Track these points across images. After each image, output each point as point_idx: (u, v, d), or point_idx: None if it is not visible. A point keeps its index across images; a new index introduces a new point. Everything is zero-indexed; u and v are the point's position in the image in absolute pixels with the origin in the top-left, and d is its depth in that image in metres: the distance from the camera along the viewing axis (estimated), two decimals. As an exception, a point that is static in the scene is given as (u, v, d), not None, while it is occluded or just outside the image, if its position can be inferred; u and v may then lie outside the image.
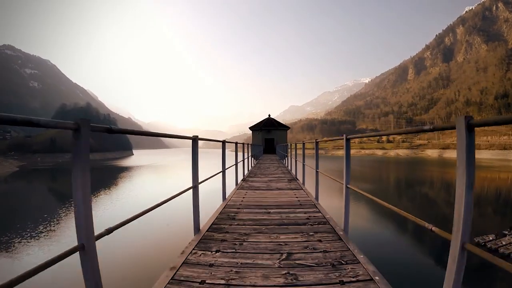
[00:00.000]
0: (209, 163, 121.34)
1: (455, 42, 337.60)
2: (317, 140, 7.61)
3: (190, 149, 4.67)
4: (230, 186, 9.36)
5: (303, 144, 9.59)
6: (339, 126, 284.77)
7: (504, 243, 18.88)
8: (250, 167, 17.15)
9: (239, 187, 9.01)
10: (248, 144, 15.77)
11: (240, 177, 11.43)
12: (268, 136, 36.46)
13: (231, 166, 8.53)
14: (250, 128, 38.41)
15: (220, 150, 7.84)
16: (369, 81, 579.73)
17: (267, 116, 40.72)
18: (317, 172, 6.96)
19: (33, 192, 49.29)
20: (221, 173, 7.02)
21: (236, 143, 11.38)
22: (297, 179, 10.93)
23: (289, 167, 16.17)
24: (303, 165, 9.27)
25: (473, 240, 19.92)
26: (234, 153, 10.19)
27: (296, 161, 12.06)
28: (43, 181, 69.44)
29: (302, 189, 8.37)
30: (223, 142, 7.78)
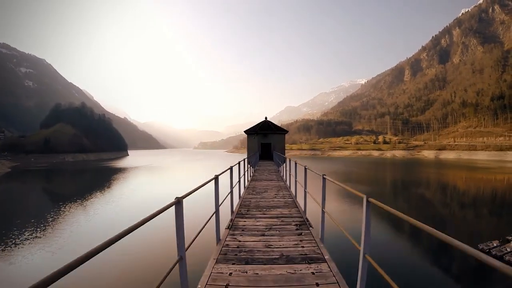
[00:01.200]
0: (205, 163, 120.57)
1: (451, 44, 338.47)
2: (324, 176, 6.17)
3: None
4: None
5: (305, 170, 7.68)
6: (335, 127, 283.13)
7: (509, 249, 18.17)
8: (244, 187, 14.02)
9: (219, 251, 5.53)
10: (245, 159, 13.78)
11: (226, 220, 7.91)
12: (265, 141, 33.34)
13: (210, 217, 5.47)
14: (246, 131, 34.92)
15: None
16: (365, 82, 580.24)
17: (264, 119, 37.28)
18: (364, 256, 3.77)
19: (24, 197, 48.10)
20: (178, 263, 3.64)
21: (234, 167, 8.72)
22: (310, 226, 7.57)
23: (291, 187, 13.21)
24: (322, 211, 6.37)
25: (477, 246, 19.27)
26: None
27: (306, 192, 9.26)
28: (36, 183, 68.03)
29: (325, 261, 4.98)
30: (216, 178, 6.12)
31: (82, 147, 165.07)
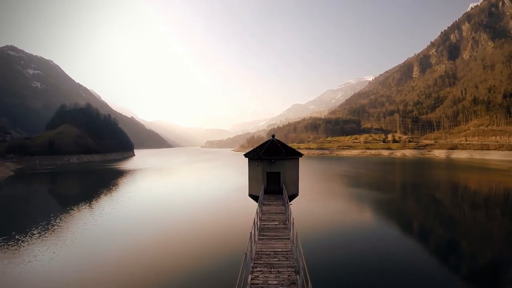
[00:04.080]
0: (210, 164, 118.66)
1: (461, 39, 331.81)
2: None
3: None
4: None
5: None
6: (343, 126, 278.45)
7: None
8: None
9: None
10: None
11: None
12: (272, 169, 23.73)
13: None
14: (246, 155, 25.25)
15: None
16: (372, 79, 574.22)
17: (271, 138, 26.36)
18: None
19: (19, 207, 46.26)
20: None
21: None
22: None
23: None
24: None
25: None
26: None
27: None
28: (35, 189, 66.33)
29: None
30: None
31: (87, 148, 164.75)
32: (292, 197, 22.15)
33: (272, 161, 23.41)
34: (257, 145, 26.61)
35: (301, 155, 25.13)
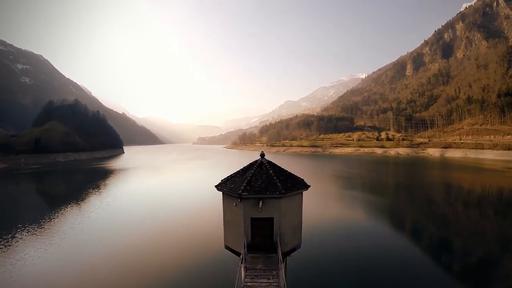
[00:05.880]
0: (199, 162, 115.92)
1: (455, 38, 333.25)
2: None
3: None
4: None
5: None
6: (336, 123, 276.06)
7: None
8: None
9: None
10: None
11: None
12: (260, 214, 13.84)
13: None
14: (219, 188, 15.35)
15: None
16: (365, 77, 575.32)
17: (259, 157, 16.56)
18: None
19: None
20: None
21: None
22: None
23: None
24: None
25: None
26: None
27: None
28: (21, 192, 62.99)
29: None
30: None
31: (74, 146, 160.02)
32: (291, 251, 14.90)
33: (260, 200, 13.77)
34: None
35: (307, 187, 15.47)
